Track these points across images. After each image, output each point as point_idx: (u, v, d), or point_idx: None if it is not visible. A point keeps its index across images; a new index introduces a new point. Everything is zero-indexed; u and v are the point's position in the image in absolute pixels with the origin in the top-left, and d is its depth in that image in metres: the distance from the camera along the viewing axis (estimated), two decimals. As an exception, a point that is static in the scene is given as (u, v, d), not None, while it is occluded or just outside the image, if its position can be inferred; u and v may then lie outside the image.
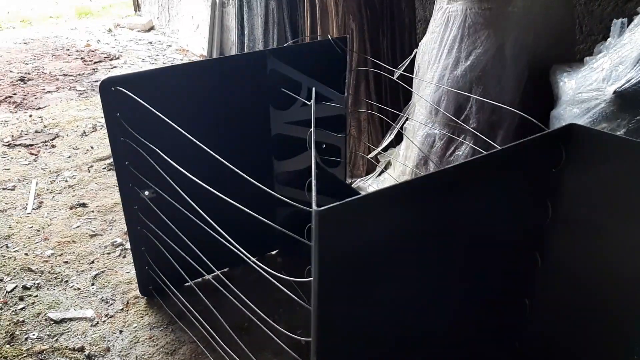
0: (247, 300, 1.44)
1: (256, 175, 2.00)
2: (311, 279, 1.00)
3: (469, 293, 1.42)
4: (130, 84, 1.61)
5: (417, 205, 1.13)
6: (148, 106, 1.51)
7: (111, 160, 2.96)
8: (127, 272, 2.07)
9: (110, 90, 1.60)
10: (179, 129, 1.38)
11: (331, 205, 0.97)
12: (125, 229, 2.34)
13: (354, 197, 1.00)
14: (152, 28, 6.09)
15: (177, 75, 1.73)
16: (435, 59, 2.02)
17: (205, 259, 1.59)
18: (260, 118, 1.94)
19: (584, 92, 1.56)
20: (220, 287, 1.50)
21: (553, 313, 1.52)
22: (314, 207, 0.96)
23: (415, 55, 2.22)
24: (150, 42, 5.54)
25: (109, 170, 2.88)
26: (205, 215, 1.54)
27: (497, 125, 1.96)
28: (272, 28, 3.12)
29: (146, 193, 1.79)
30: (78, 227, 2.36)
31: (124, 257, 2.17)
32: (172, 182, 1.54)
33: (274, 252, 2.21)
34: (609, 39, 1.58)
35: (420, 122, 2.14)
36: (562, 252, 1.44)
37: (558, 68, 1.79)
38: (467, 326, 1.48)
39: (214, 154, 1.29)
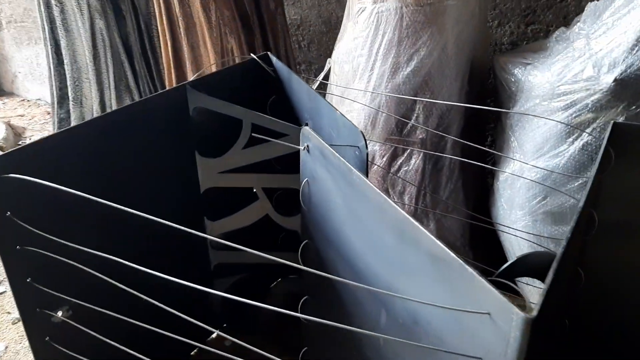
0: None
1: (186, 242, 1.57)
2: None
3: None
4: (24, 165, 1.08)
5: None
6: (65, 189, 1.01)
7: None
8: None
9: (-7, 180, 1.05)
10: (135, 211, 0.94)
11: (538, 309, 0.68)
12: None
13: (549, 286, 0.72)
14: None
15: (79, 139, 1.23)
16: (366, 68, 1.78)
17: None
18: (184, 171, 1.50)
19: (567, 84, 1.48)
20: None
21: (594, 333, 1.41)
22: (519, 312, 0.66)
23: (329, 67, 1.95)
24: None
25: None
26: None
27: (446, 132, 1.81)
28: (102, 52, 2.56)
29: (59, 313, 1.24)
30: None
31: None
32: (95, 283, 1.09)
33: (214, 335, 1.77)
34: (578, 24, 1.52)
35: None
36: (605, 264, 1.33)
37: (509, 61, 1.70)
38: None
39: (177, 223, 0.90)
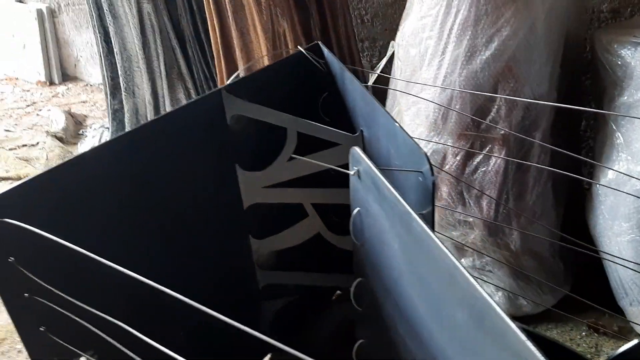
0: None
1: (229, 263, 1.42)
2: None
3: None
4: (27, 204, 0.94)
5: None
6: (68, 245, 0.86)
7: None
8: None
9: (-10, 224, 0.90)
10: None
11: None
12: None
13: None
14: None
15: (96, 165, 1.07)
16: (435, 52, 1.52)
17: None
18: (225, 186, 1.32)
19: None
20: None
21: None
22: None
23: (392, 52, 1.71)
24: (-38, 77, 4.41)
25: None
26: None
27: (532, 127, 1.53)
28: (152, 38, 2.42)
29: None
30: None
31: None
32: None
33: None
34: None
35: (419, 136, 1.65)
36: None
37: (614, 39, 1.39)
38: None
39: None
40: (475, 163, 1.60)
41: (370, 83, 1.67)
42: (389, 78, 1.75)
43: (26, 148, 3.12)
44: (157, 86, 2.51)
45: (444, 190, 1.68)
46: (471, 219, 1.67)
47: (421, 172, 0.92)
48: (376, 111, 1.08)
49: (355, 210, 1.00)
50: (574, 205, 1.69)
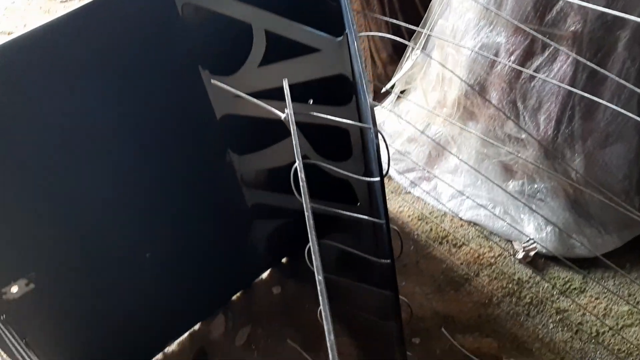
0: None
1: (212, 177, 1.24)
2: None
3: None
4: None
5: None
6: None
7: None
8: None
9: None
10: None
11: None
12: None
13: None
14: None
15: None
16: None
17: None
18: (191, 91, 1.09)
19: None
20: None
21: None
22: None
23: None
24: None
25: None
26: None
27: (617, 24, 1.12)
28: None
29: (14, 290, 1.01)
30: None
31: None
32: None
33: (264, 275, 1.48)
34: None
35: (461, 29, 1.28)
36: None
37: None
38: None
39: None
40: (535, 66, 1.23)
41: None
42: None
43: None
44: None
45: (493, 97, 1.33)
46: (524, 136, 1.34)
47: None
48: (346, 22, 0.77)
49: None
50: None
